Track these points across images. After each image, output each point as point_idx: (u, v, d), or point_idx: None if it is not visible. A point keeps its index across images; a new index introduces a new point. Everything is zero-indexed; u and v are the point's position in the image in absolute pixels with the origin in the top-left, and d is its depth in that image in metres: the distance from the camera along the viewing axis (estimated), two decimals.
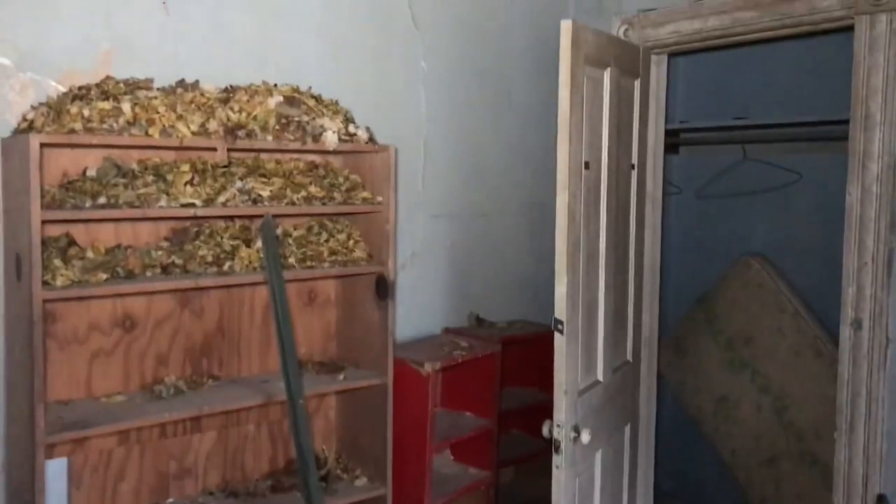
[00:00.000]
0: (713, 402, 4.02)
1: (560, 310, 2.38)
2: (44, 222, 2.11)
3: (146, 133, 2.29)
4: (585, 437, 2.44)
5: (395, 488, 2.83)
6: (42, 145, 2.10)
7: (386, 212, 2.78)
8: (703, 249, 4.31)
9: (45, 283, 2.15)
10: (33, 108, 2.33)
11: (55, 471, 2.44)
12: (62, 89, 2.39)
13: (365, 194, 2.79)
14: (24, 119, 2.31)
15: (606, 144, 2.65)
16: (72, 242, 2.36)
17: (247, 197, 2.49)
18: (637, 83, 2.93)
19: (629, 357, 3.02)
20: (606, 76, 2.62)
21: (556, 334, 2.39)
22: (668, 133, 3.39)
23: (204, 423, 2.71)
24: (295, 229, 2.78)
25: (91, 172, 2.36)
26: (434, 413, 2.86)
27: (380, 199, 2.79)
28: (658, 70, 3.24)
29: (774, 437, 3.77)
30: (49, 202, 2.19)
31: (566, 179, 2.37)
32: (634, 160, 2.98)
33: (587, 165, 2.51)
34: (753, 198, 4.05)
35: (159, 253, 2.47)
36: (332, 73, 2.98)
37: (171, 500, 2.67)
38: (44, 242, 2.26)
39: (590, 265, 2.57)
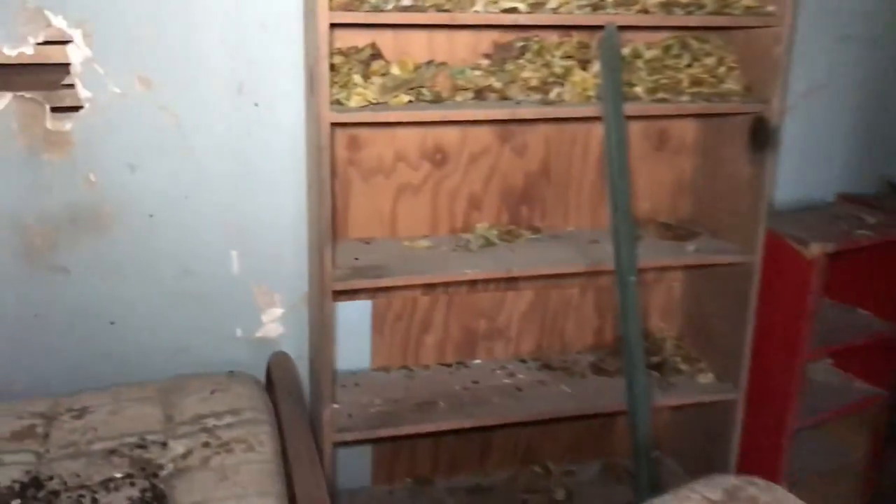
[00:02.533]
0: None
1: None
2: (340, 28, 1.73)
3: None
4: None
5: (750, 393, 2.21)
6: None
7: (778, 28, 2.00)
8: None
9: (337, 102, 1.81)
10: None
11: (357, 313, 2.26)
12: None
13: (748, 1, 2.02)
14: None
15: None
16: (376, 55, 1.98)
17: (585, 1, 1.89)
18: None
19: None
20: None
21: None
22: None
23: (521, 280, 2.30)
24: (648, 48, 2.13)
25: None
26: (816, 308, 2.14)
27: (770, 8, 2.01)
28: None
29: None
30: (344, 3, 1.79)
31: None
32: None
33: None
34: None
35: (476, 73, 2.01)
36: None
37: (477, 360, 2.35)
38: (345, 54, 1.94)
39: None
